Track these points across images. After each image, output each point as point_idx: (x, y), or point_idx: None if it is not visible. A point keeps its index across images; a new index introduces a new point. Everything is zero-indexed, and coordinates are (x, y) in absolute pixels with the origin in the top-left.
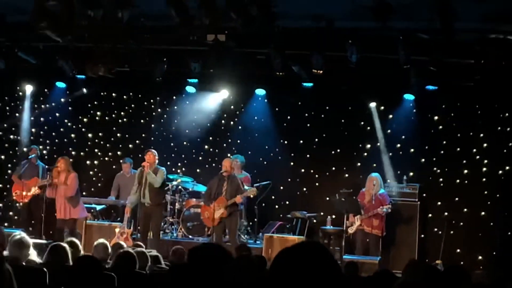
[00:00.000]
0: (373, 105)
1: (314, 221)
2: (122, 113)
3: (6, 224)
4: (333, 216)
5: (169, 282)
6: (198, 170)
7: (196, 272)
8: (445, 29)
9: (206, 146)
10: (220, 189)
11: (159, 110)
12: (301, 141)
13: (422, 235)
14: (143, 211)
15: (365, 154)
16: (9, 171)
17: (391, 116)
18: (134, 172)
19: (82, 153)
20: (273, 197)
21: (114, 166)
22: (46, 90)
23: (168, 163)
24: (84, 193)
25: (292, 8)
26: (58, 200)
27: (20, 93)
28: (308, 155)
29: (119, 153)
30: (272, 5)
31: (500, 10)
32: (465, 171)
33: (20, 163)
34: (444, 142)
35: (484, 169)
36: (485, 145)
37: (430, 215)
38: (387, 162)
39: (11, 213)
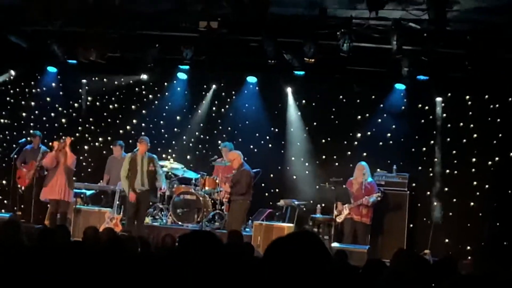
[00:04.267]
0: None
1: (304, 209)
2: (113, 98)
3: None
4: (323, 205)
5: (158, 267)
6: (188, 157)
7: (185, 258)
8: (437, 19)
9: (196, 133)
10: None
11: (150, 96)
12: (292, 129)
13: (411, 225)
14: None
15: (355, 143)
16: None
17: (381, 105)
18: (125, 155)
19: (72, 138)
20: (263, 184)
21: (104, 152)
22: (37, 74)
23: (159, 149)
24: (74, 178)
25: None
26: (57, 179)
27: (12, 77)
28: (298, 143)
29: (109, 138)
30: None
31: (492, 1)
32: (455, 161)
33: (22, 150)
34: (434, 132)
35: (474, 159)
36: (475, 135)
37: (419, 204)
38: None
39: (0, 197)
